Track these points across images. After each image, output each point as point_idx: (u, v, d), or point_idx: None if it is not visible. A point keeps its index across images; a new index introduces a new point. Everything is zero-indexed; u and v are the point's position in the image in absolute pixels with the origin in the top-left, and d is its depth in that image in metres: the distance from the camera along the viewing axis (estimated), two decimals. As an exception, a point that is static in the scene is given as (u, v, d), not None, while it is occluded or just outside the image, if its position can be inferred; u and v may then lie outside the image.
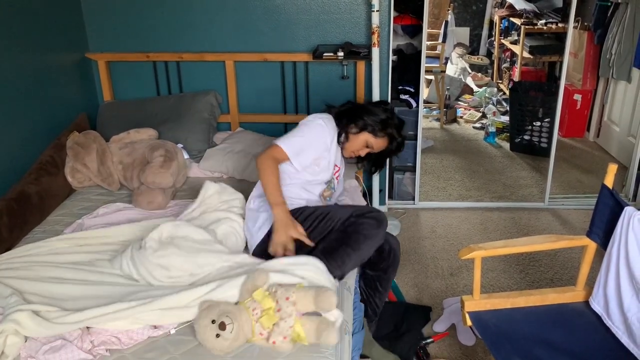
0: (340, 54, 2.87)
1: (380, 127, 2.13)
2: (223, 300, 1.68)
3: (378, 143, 2.16)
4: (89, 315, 1.65)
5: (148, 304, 1.67)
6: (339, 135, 2.16)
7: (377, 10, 2.82)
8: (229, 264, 1.88)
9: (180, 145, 2.86)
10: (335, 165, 2.21)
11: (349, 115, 2.17)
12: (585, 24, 4.31)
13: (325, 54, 2.88)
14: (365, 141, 2.15)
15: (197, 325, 1.60)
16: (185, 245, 1.90)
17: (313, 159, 2.10)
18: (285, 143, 2.05)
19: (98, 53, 3.15)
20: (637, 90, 3.68)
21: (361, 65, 3.04)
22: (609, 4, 3.83)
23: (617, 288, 1.70)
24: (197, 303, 1.69)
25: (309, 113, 3.17)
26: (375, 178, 3.19)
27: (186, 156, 2.87)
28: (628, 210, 1.66)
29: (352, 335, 1.82)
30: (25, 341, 1.63)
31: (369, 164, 2.38)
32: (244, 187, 2.67)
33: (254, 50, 3.09)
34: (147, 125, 2.90)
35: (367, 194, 3.13)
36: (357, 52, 2.91)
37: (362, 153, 2.19)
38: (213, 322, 1.56)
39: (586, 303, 1.86)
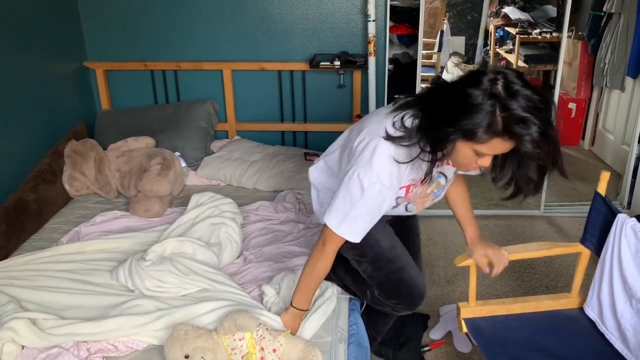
0: (337, 63, 2.90)
1: (486, 129, 1.24)
2: (202, 325, 1.66)
3: (496, 146, 1.29)
4: (84, 331, 1.67)
5: (141, 325, 1.69)
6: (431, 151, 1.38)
7: (373, 20, 2.85)
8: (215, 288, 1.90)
9: (177, 154, 2.87)
10: (411, 183, 1.54)
11: (429, 128, 1.36)
12: (579, 33, 4.35)
13: (322, 63, 2.90)
14: (472, 151, 1.32)
15: (168, 356, 1.52)
16: (181, 267, 1.93)
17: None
18: (346, 229, 1.50)
19: (96, 62, 3.17)
20: (630, 99, 3.71)
21: (358, 74, 3.06)
22: (602, 14, 3.87)
23: (610, 294, 1.71)
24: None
25: (305, 121, 3.20)
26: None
27: (183, 164, 2.88)
28: (621, 217, 1.68)
29: (348, 345, 1.82)
30: (22, 349, 1.64)
31: (505, 174, 1.42)
32: (242, 195, 2.70)
33: (251, 59, 3.12)
34: (145, 133, 2.92)
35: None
36: (354, 62, 2.93)
37: (485, 163, 1.36)
38: (187, 357, 1.49)
39: (581, 309, 1.87)
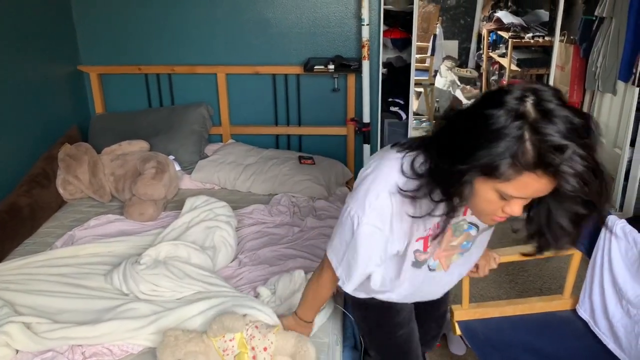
0: (331, 66, 2.91)
1: (512, 160, 0.94)
2: (193, 328, 1.67)
3: (527, 185, 0.97)
4: (79, 335, 1.67)
5: (136, 329, 1.69)
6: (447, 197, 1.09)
7: (367, 24, 2.87)
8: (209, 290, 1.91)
9: (171, 157, 2.87)
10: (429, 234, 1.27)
11: (438, 168, 1.07)
12: (571, 37, 4.38)
13: (316, 67, 2.92)
14: (495, 193, 1.02)
15: None
16: (175, 270, 1.93)
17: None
18: (343, 273, 1.33)
19: (90, 66, 3.17)
20: (622, 103, 3.74)
21: (352, 78, 3.08)
22: (594, 18, 3.90)
23: (602, 295, 1.73)
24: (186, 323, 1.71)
25: (300, 125, 3.21)
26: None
27: (178, 168, 2.89)
28: (611, 219, 1.70)
29: (344, 347, 1.83)
30: (17, 353, 1.64)
31: (532, 224, 1.14)
32: (236, 198, 2.71)
33: (245, 63, 3.12)
34: (139, 137, 2.92)
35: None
36: (348, 65, 2.95)
37: (514, 210, 1.06)
38: None
39: (573, 311, 1.89)
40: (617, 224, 1.67)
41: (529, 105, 0.94)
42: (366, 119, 3.02)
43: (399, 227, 1.21)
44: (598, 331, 1.75)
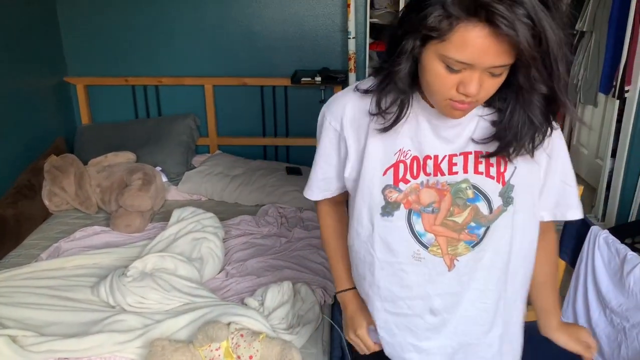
0: (318, 78, 2.94)
1: (441, 11, 0.81)
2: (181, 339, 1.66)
3: (466, 42, 0.82)
4: (65, 348, 1.66)
5: (123, 342, 1.68)
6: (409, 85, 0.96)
7: (353, 37, 2.90)
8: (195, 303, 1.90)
9: (158, 168, 2.87)
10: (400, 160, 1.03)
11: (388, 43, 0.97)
12: (554, 50, 4.47)
13: (303, 79, 2.94)
14: (441, 65, 0.87)
15: None
16: (162, 282, 1.93)
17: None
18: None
19: (77, 77, 3.16)
20: (603, 115, 3.81)
21: (339, 90, 3.10)
22: (575, 32, 3.98)
23: (585, 304, 1.76)
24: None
25: (287, 136, 3.23)
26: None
27: (165, 179, 2.88)
28: (594, 229, 1.73)
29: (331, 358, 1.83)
30: (2, 366, 1.62)
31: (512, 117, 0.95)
32: (223, 209, 2.71)
33: (233, 75, 3.14)
34: (126, 148, 2.91)
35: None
36: (335, 77, 2.98)
37: (467, 87, 0.87)
38: None
39: (557, 320, 1.91)
40: (599, 234, 1.71)
41: None
42: (353, 130, 3.05)
43: (358, 125, 1.06)
44: (582, 340, 1.78)
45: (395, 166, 1.02)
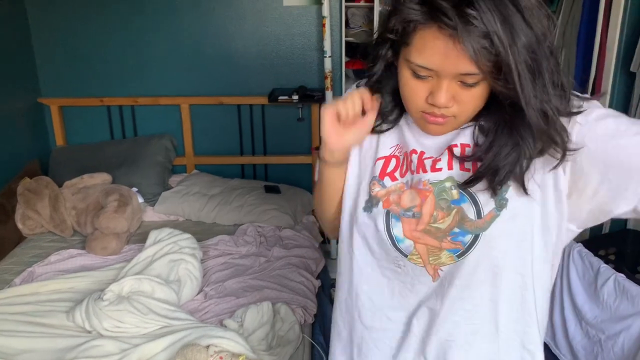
0: (295, 97, 2.95)
1: (402, 12, 0.80)
2: None
3: (425, 46, 0.79)
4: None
5: None
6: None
7: (329, 56, 2.92)
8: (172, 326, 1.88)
9: (135, 189, 2.84)
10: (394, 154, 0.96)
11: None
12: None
13: (280, 97, 2.95)
14: (409, 71, 0.84)
15: None
16: (139, 306, 1.91)
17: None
18: None
19: (51, 98, 3.13)
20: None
21: (316, 108, 3.12)
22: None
23: (562, 317, 1.78)
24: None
25: (265, 154, 3.23)
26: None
27: (141, 200, 2.85)
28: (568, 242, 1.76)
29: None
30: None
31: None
32: (201, 229, 2.69)
33: (209, 94, 3.14)
34: (101, 169, 2.88)
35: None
36: (312, 96, 2.99)
37: (436, 97, 0.82)
38: None
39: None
40: (574, 247, 1.73)
41: None
42: (330, 147, 3.06)
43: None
44: (559, 353, 1.80)
45: (387, 159, 0.95)
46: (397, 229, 0.91)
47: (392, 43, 0.85)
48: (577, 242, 1.75)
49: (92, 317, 1.86)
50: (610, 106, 3.00)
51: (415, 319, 0.95)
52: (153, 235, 2.36)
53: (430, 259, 0.90)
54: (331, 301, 2.51)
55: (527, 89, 0.76)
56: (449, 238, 0.87)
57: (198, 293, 2.17)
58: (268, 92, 3.07)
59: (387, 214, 0.92)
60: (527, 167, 0.82)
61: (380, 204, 0.93)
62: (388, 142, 0.96)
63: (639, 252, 2.29)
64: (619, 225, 3.01)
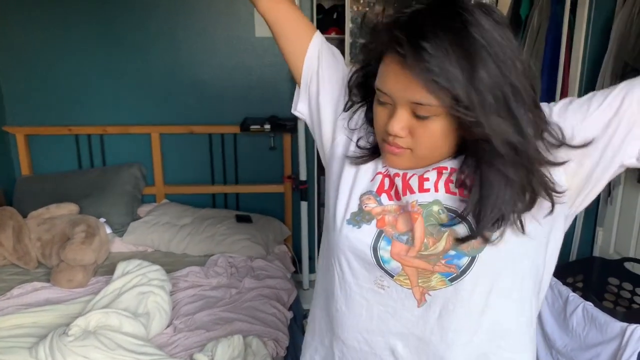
0: (267, 126, 2.96)
1: (368, 35, 0.87)
2: None
3: (383, 74, 0.83)
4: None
5: None
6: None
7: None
8: None
9: (102, 220, 2.78)
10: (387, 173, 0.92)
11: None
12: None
13: (252, 126, 2.96)
14: (376, 100, 0.87)
15: None
16: (106, 341, 1.85)
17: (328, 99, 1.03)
18: None
19: (16, 126, 3.07)
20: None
21: (288, 137, 3.13)
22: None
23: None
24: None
25: (237, 183, 3.22)
26: (305, 243, 3.19)
27: (109, 230, 2.79)
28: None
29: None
30: None
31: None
32: (171, 260, 2.64)
33: (180, 123, 3.12)
34: (68, 199, 2.82)
35: (297, 261, 3.15)
36: (284, 125, 3.01)
37: (390, 125, 0.83)
38: None
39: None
40: (542, 276, 1.76)
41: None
42: (303, 176, 3.07)
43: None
44: (531, 382, 1.81)
45: (384, 176, 0.92)
46: (384, 251, 0.87)
47: (365, 73, 0.89)
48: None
49: (56, 353, 1.79)
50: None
51: (400, 346, 0.90)
52: (121, 267, 2.30)
53: (420, 281, 0.86)
54: (303, 332, 2.49)
55: (490, 121, 0.74)
56: (443, 261, 0.83)
57: (167, 326, 2.12)
58: (239, 121, 3.08)
59: (380, 234, 0.87)
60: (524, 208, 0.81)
61: (374, 222, 0.88)
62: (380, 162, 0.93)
63: (604, 279, 2.34)
64: (585, 253, 3.08)
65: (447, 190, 0.85)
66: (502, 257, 0.83)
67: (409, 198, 0.86)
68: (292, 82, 3.04)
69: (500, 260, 0.83)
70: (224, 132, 3.15)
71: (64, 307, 2.18)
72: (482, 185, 0.80)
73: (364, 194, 0.90)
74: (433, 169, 0.87)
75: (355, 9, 3.25)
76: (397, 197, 0.89)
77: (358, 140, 0.96)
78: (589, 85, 2.93)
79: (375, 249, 0.87)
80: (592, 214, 3.12)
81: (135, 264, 2.31)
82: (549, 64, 3.14)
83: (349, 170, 0.95)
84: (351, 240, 0.89)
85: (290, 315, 2.28)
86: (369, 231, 0.88)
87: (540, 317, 1.76)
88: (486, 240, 0.81)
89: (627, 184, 2.86)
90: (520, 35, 2.97)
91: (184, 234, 2.78)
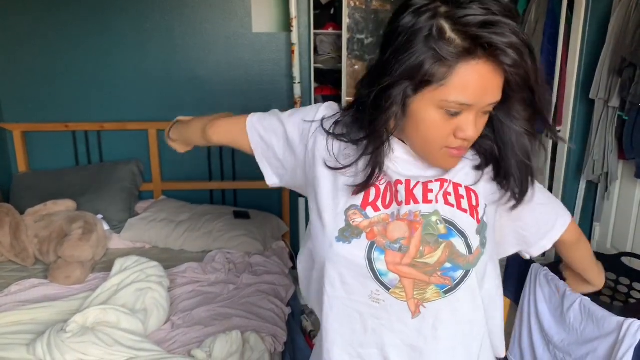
0: (265, 122, 2.95)
1: (435, 55, 0.78)
2: None
3: (467, 84, 0.79)
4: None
5: None
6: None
7: (298, 82, 2.95)
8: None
9: (100, 216, 2.78)
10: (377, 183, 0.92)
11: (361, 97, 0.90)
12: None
13: (249, 123, 2.95)
14: (438, 110, 0.82)
15: None
16: (104, 337, 1.85)
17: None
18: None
19: (13, 123, 3.06)
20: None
21: (284, 133, 3.13)
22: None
23: (530, 340, 1.80)
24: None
25: (235, 179, 3.21)
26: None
27: (106, 227, 2.79)
28: (534, 266, 1.79)
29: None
30: None
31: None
32: (168, 257, 2.64)
33: (177, 119, 3.11)
34: (65, 196, 2.81)
35: (295, 257, 3.15)
36: (280, 121, 3.00)
37: (466, 130, 0.83)
38: None
39: (505, 357, 1.95)
40: (540, 271, 1.76)
41: (437, 2, 0.79)
42: (300, 173, 3.06)
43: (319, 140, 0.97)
44: (528, 376, 1.81)
45: (368, 190, 0.90)
46: (380, 263, 0.87)
47: (415, 85, 0.81)
48: (544, 265, 1.78)
49: (54, 349, 1.79)
50: (571, 133, 3.10)
51: (394, 355, 0.91)
52: (119, 264, 2.30)
53: (415, 293, 0.87)
54: (301, 329, 2.49)
55: (543, 97, 0.84)
56: (439, 273, 0.86)
57: (165, 322, 2.11)
58: (237, 118, 3.06)
59: (371, 245, 0.87)
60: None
61: (364, 235, 0.87)
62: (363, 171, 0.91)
63: (602, 274, 2.34)
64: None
65: (446, 202, 0.88)
66: (488, 272, 0.93)
67: (411, 207, 0.87)
68: (290, 78, 3.04)
69: (488, 275, 0.93)
70: (221, 129, 3.14)
71: (62, 303, 2.17)
72: (504, 143, 0.89)
73: (348, 209, 0.89)
74: (436, 180, 0.90)
75: (353, 5, 3.25)
76: (387, 205, 0.89)
77: (344, 168, 0.92)
78: (587, 80, 2.93)
79: (370, 260, 0.87)
80: (589, 209, 3.13)
81: (133, 261, 2.31)
82: (546, 59, 3.15)
83: (327, 184, 0.94)
84: (344, 256, 0.88)
85: (288, 310, 2.28)
86: (359, 245, 0.88)
87: (537, 312, 1.77)
88: (521, 201, 0.92)
89: (624, 179, 2.86)
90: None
91: (181, 230, 2.78)
